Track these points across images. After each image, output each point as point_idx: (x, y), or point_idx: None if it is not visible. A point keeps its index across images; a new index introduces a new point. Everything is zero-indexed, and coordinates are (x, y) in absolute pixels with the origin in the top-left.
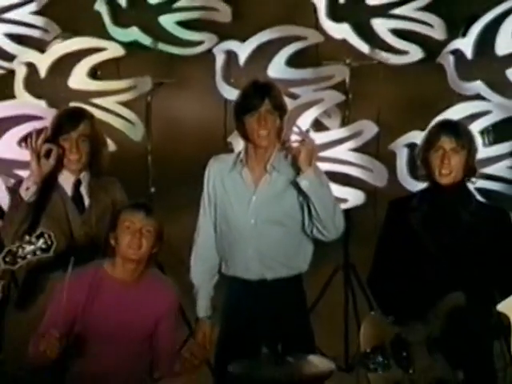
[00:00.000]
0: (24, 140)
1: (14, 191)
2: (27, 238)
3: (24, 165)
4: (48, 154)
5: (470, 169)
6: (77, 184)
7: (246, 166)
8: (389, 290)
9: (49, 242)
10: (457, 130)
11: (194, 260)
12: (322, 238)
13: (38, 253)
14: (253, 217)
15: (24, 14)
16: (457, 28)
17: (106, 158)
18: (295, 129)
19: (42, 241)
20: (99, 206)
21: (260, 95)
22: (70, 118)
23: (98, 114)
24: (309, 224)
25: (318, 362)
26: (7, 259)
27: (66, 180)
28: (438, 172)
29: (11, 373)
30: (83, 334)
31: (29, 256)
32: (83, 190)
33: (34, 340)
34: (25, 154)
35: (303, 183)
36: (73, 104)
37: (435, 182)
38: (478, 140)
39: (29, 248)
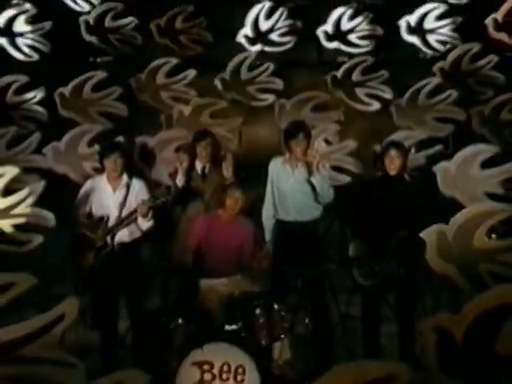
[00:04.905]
0: (176, 150)
1: (171, 175)
2: (162, 189)
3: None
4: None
5: (404, 166)
6: (204, 168)
7: (288, 163)
8: (363, 227)
9: (170, 193)
10: (398, 146)
11: (263, 210)
12: (320, 201)
13: (166, 196)
14: (291, 188)
15: (180, 85)
16: (398, 93)
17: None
18: (313, 151)
19: (166, 191)
20: (214, 179)
21: (296, 130)
22: (201, 135)
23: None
24: (314, 195)
25: (326, 265)
26: (152, 199)
27: (198, 166)
28: (388, 168)
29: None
30: (207, 245)
31: (162, 198)
32: (206, 170)
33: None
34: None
35: (314, 180)
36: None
37: (386, 172)
38: (410, 151)
39: (162, 195)
